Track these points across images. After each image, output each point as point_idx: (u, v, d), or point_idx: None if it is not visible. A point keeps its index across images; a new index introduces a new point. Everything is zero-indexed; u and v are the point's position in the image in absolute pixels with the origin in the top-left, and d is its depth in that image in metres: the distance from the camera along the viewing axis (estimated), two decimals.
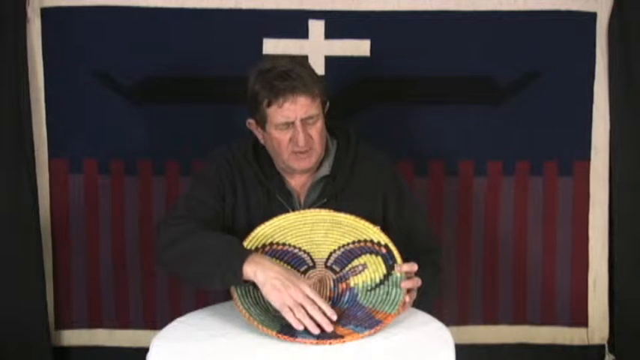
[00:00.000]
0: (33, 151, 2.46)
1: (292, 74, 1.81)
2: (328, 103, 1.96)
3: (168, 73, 2.46)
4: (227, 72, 2.43)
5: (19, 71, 2.41)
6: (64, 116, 2.47)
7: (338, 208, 1.85)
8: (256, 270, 1.63)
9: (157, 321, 2.50)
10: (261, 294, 1.67)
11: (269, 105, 1.83)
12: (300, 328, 1.60)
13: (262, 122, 1.88)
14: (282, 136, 1.85)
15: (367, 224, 1.76)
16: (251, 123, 1.93)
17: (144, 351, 1.62)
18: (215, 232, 1.78)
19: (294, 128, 1.84)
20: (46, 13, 2.41)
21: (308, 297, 1.62)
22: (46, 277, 2.50)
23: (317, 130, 1.86)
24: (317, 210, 1.82)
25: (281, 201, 1.92)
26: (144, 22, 2.43)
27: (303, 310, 1.61)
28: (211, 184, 1.93)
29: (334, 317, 1.62)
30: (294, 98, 1.81)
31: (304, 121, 1.84)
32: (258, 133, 1.93)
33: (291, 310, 1.61)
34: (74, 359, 2.60)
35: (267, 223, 1.76)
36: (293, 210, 1.89)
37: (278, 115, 1.83)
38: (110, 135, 2.48)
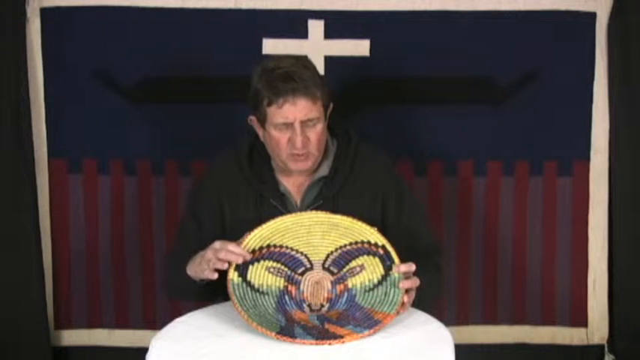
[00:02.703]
0: (33, 151, 2.46)
1: (295, 76, 1.82)
2: (332, 105, 1.96)
3: (168, 73, 2.46)
4: (227, 72, 2.43)
5: (18, 71, 2.41)
6: (63, 116, 2.47)
7: (335, 210, 1.85)
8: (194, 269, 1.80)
9: (156, 321, 2.50)
10: (259, 296, 1.69)
11: (269, 104, 1.83)
12: (214, 276, 1.71)
13: (262, 120, 1.88)
14: (281, 137, 1.86)
15: (364, 225, 1.76)
16: (252, 120, 1.94)
17: (143, 351, 1.62)
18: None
19: (292, 130, 1.84)
20: (46, 13, 2.41)
21: (216, 250, 1.72)
22: (45, 277, 2.51)
23: (316, 133, 1.86)
24: (314, 212, 1.82)
25: (274, 204, 1.92)
26: (144, 22, 2.43)
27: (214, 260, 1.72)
28: (200, 208, 1.99)
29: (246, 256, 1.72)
30: (295, 100, 1.81)
31: (303, 124, 1.84)
32: (259, 131, 1.94)
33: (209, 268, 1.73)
34: (74, 359, 2.60)
35: (264, 226, 1.76)
36: (288, 212, 1.89)
37: (277, 115, 1.83)
38: (110, 135, 2.48)
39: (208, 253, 1.74)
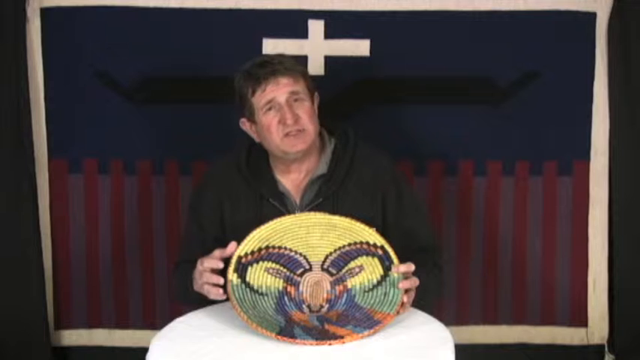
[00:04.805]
0: (33, 151, 2.46)
1: (273, 61, 1.88)
2: (317, 95, 1.97)
3: (168, 73, 2.46)
4: (227, 72, 2.38)
5: (19, 71, 2.41)
6: (63, 116, 2.48)
7: (335, 208, 1.86)
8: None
9: (156, 321, 2.50)
10: (259, 297, 1.70)
11: (253, 93, 1.87)
12: (216, 296, 1.71)
13: (252, 115, 1.91)
14: (271, 119, 1.87)
15: (362, 226, 1.76)
16: (244, 122, 1.96)
17: (143, 351, 1.62)
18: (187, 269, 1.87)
19: (281, 109, 1.86)
20: (46, 13, 2.41)
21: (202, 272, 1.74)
22: (45, 277, 2.51)
23: (305, 109, 1.88)
24: (312, 213, 1.82)
25: (274, 203, 1.92)
26: (144, 22, 2.43)
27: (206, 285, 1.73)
28: (201, 211, 2.00)
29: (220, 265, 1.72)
30: (276, 80, 1.85)
31: (290, 99, 1.86)
32: (252, 132, 1.95)
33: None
34: (73, 359, 2.60)
35: (263, 227, 1.76)
36: (287, 211, 1.89)
37: (263, 98, 1.86)
38: (110, 135, 2.48)
39: (197, 278, 1.76)
